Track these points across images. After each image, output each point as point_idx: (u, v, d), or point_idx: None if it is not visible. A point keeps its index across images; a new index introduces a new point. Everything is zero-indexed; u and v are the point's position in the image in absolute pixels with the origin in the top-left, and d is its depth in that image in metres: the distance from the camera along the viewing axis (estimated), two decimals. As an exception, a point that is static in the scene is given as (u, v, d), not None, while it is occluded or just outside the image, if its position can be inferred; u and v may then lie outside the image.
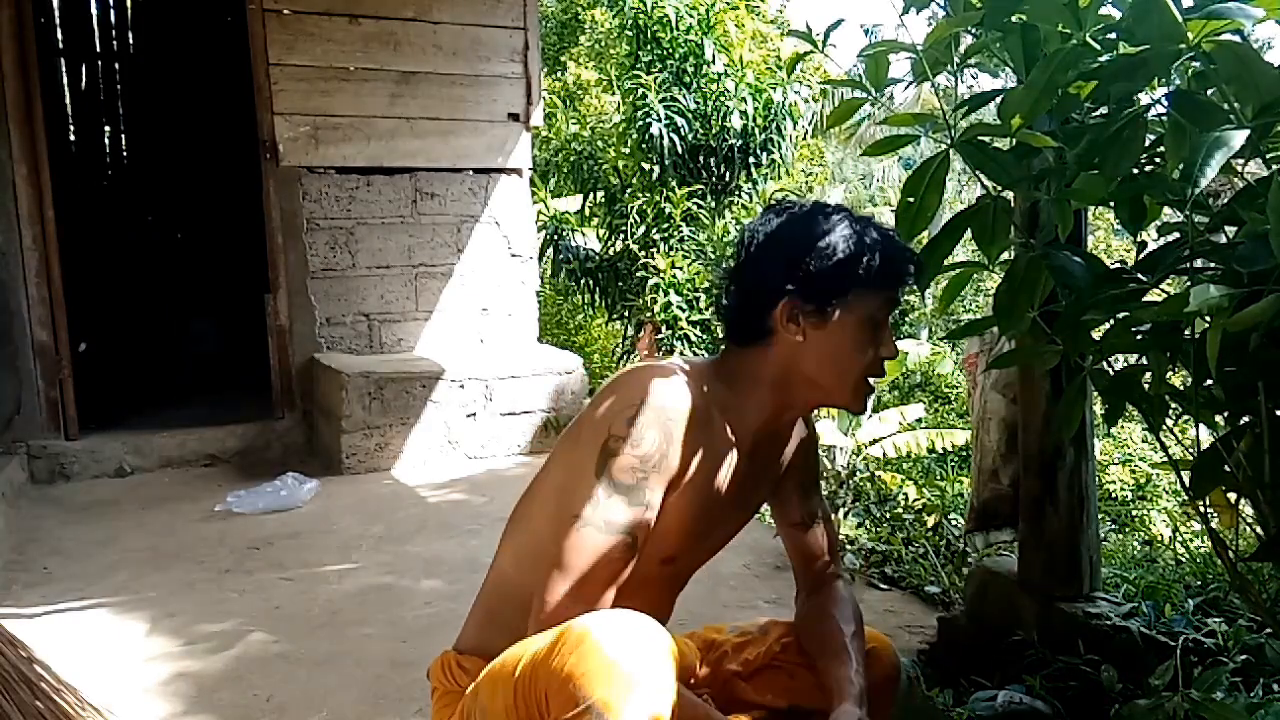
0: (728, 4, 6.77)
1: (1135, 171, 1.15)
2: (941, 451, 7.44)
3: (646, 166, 6.56)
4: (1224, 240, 1.08)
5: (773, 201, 1.41)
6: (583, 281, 7.18)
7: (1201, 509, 1.27)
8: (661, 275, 6.16)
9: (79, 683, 1.71)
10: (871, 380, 1.27)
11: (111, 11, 7.30)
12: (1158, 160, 1.16)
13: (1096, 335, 1.20)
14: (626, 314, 6.94)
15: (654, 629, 1.07)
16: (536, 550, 1.23)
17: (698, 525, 1.31)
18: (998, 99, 1.15)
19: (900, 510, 3.45)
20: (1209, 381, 1.12)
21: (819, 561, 1.49)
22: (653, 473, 1.19)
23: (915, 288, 1.31)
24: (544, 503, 1.29)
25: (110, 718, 1.73)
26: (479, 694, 1.19)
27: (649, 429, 1.19)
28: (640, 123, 6.44)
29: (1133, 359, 1.24)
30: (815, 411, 1.46)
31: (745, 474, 1.35)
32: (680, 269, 6.16)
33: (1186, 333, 1.11)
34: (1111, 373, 1.24)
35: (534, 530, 1.29)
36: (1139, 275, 1.12)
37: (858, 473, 4.03)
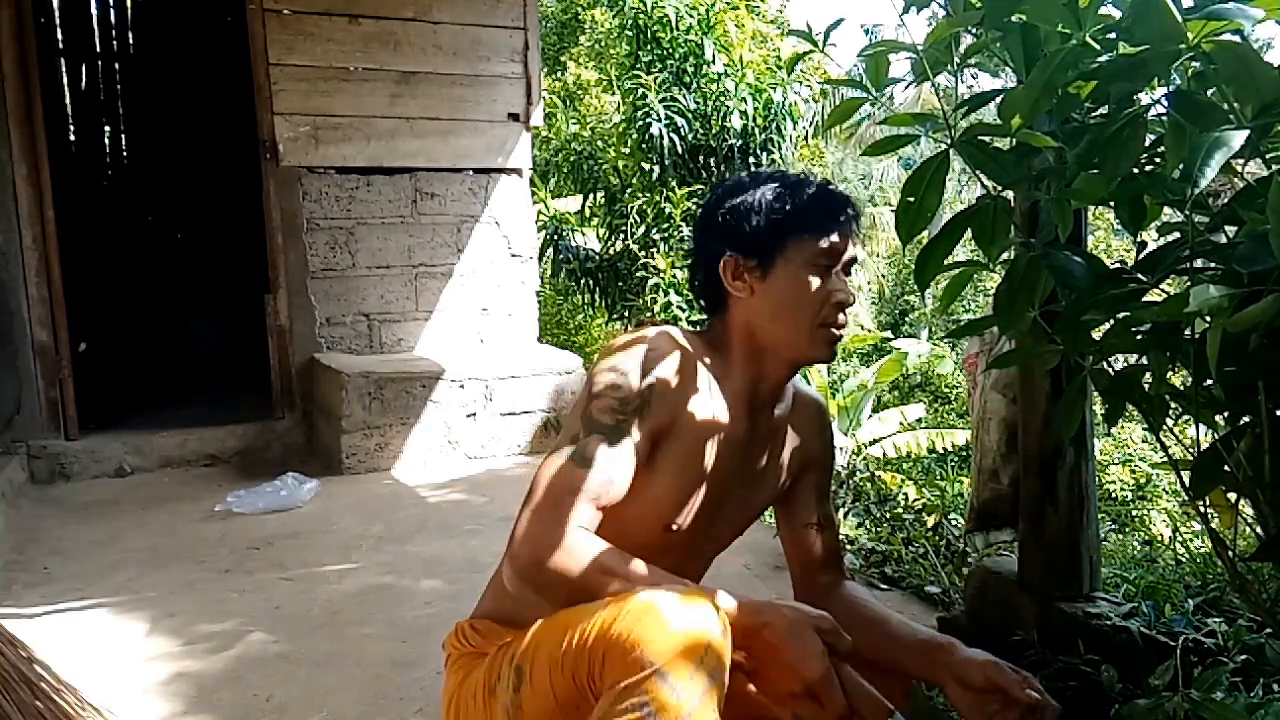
0: (728, 4, 6.77)
1: (1135, 171, 1.14)
2: (941, 451, 7.46)
3: (646, 166, 6.56)
4: (1224, 240, 1.08)
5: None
6: (583, 281, 7.18)
7: (1201, 509, 1.27)
8: (661, 275, 6.16)
9: (79, 683, 1.71)
10: (832, 328, 1.30)
11: (111, 11, 7.31)
12: (1158, 160, 1.16)
13: (1096, 335, 1.20)
14: (626, 314, 6.94)
15: (711, 608, 1.07)
16: None
17: (698, 487, 1.31)
18: (998, 99, 1.15)
19: (900, 510, 3.45)
20: (1209, 381, 1.12)
21: (830, 565, 1.49)
22: (632, 414, 1.22)
23: (846, 230, 1.31)
24: None
25: (110, 718, 1.73)
26: (512, 656, 1.19)
27: (628, 373, 1.24)
28: (640, 123, 6.44)
29: (1133, 359, 1.24)
30: (800, 377, 1.48)
31: (750, 445, 1.36)
32: (680, 269, 6.16)
33: (1186, 333, 1.11)
34: (1111, 373, 1.24)
35: None
36: (1139, 275, 1.11)
37: (858, 473, 4.02)
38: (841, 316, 1.30)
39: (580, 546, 1.14)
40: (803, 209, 1.29)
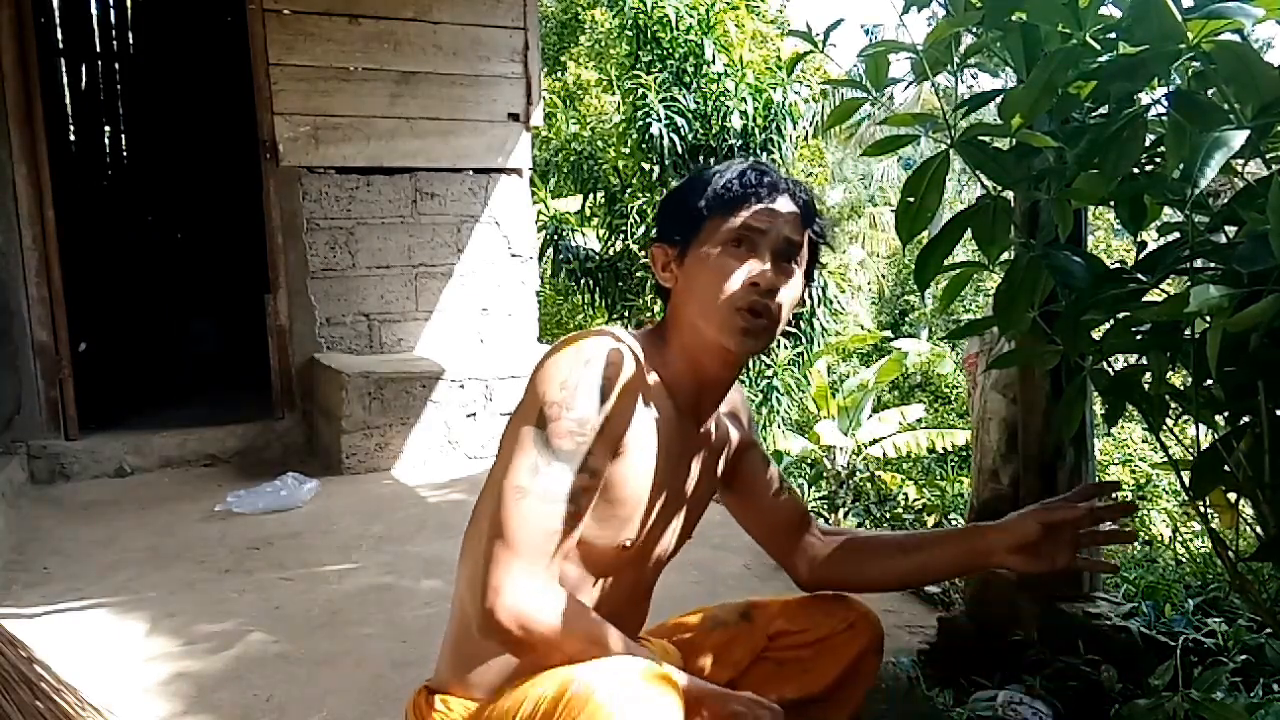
0: (728, 4, 6.77)
1: (1135, 171, 1.14)
2: (941, 451, 7.46)
3: (646, 166, 6.57)
4: (1224, 240, 1.08)
5: None
6: (583, 281, 7.20)
7: (1201, 509, 1.27)
8: (661, 275, 6.17)
9: (79, 683, 1.71)
10: (745, 312, 1.21)
11: (111, 11, 7.31)
12: (1158, 160, 1.16)
13: (1096, 335, 1.20)
14: (626, 314, 6.95)
15: (664, 690, 1.04)
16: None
17: (655, 498, 1.25)
18: (998, 99, 1.15)
19: (900, 510, 3.45)
20: (1209, 381, 1.12)
21: (811, 522, 1.47)
22: (592, 435, 1.15)
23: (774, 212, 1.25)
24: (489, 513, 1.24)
25: (110, 718, 1.73)
26: None
27: (583, 391, 1.15)
28: (640, 123, 6.45)
29: (1133, 359, 1.24)
30: (743, 368, 1.43)
31: (702, 451, 1.33)
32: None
33: (1186, 333, 1.11)
34: (1111, 373, 1.24)
35: (481, 553, 1.23)
36: (1139, 275, 1.11)
37: (858, 473, 4.03)
38: (758, 300, 1.21)
39: (560, 612, 1.10)
40: (715, 189, 1.24)
